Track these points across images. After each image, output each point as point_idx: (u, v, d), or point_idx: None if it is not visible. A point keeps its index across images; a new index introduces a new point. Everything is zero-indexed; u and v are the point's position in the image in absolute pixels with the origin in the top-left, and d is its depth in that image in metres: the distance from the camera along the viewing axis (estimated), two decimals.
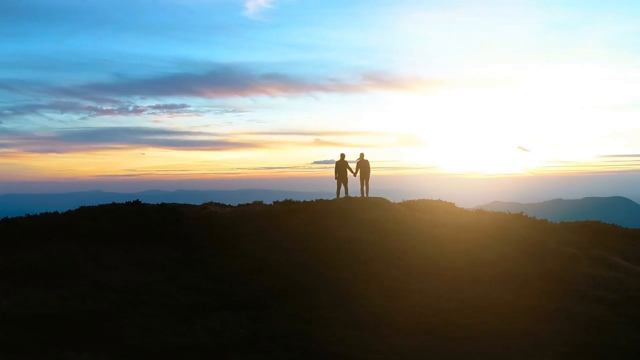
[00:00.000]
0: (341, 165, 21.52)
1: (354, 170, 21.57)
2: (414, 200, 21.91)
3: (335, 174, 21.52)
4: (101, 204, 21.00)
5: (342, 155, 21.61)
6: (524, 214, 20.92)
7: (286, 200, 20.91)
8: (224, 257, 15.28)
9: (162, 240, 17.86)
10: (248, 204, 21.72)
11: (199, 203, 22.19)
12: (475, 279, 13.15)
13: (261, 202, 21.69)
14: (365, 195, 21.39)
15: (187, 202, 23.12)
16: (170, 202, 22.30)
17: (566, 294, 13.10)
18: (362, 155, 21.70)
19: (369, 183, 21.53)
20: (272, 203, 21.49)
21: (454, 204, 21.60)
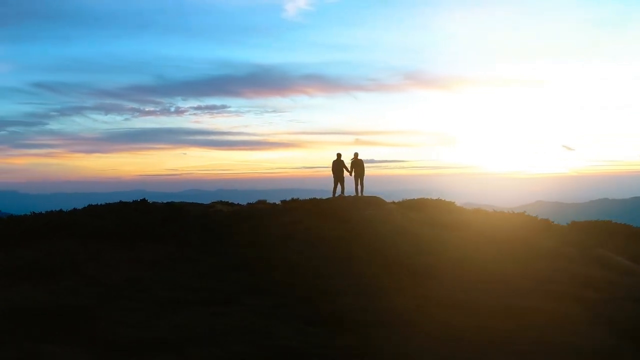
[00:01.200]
0: (337, 165, 21.79)
1: (350, 170, 21.83)
2: (414, 199, 21.98)
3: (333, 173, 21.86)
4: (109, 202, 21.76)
5: (339, 155, 21.88)
6: (526, 214, 20.72)
7: (292, 199, 21.26)
8: (214, 255, 15.68)
9: (164, 238, 18.38)
10: (252, 204, 22.16)
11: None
12: (454, 277, 13.18)
13: (265, 200, 22.10)
14: (359, 194, 21.61)
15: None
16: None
17: (546, 293, 12.96)
18: (356, 154, 21.92)
19: (363, 182, 21.73)
20: (279, 202, 21.89)
21: (454, 202, 21.55)
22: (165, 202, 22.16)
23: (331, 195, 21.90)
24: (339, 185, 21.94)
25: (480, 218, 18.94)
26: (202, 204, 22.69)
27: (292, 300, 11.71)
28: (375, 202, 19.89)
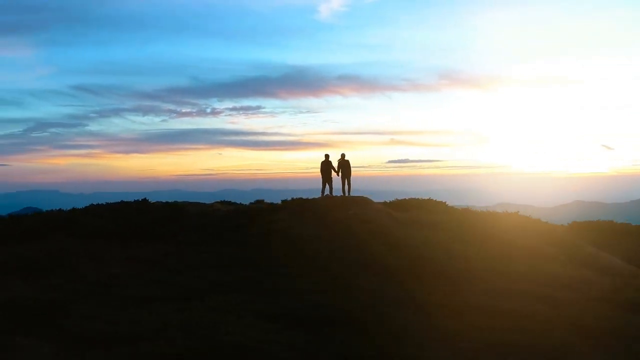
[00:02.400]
0: (325, 166, 22.12)
1: (337, 170, 22.12)
2: (405, 199, 22.12)
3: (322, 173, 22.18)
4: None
5: (327, 156, 22.17)
6: (519, 213, 20.68)
7: (292, 198, 21.62)
8: (200, 253, 16.15)
9: (159, 237, 18.93)
10: (250, 203, 22.66)
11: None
12: (415, 275, 13.35)
13: (262, 200, 22.55)
14: (346, 194, 21.88)
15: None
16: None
17: (511, 292, 13.02)
18: (343, 155, 22.18)
19: (350, 182, 22.00)
20: (280, 202, 22.29)
21: (445, 202, 21.58)
22: (165, 201, 22.75)
23: (320, 195, 22.24)
24: (327, 186, 22.25)
25: (468, 218, 18.98)
26: (203, 203, 23.22)
27: (257, 296, 12.06)
28: (361, 202, 20.10)
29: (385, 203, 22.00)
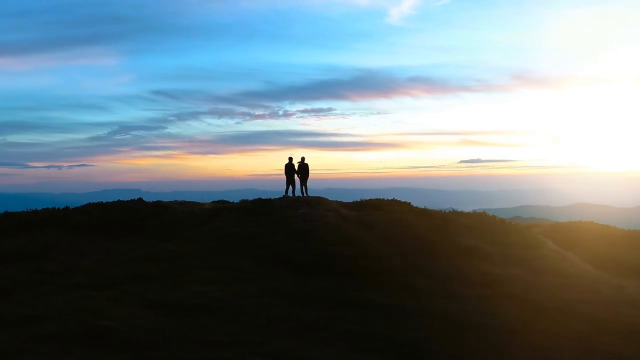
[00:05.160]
0: (288, 168, 23.01)
1: (297, 172, 22.98)
2: (370, 199, 22.60)
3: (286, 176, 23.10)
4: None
5: (290, 159, 23.02)
6: (486, 213, 20.82)
7: (257, 199, 22.64)
8: (153, 246, 17.44)
9: (138, 232, 20.41)
10: (226, 202, 23.87)
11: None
12: (341, 272, 14.10)
13: (226, 201, 23.73)
14: (304, 194, 22.70)
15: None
16: None
17: (424, 291, 13.52)
18: (302, 159, 22.96)
19: (306, 184, 22.82)
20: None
21: (409, 203, 21.93)
22: (156, 201, 24.21)
23: (283, 195, 23.11)
24: (290, 186, 23.13)
25: (420, 219, 19.31)
26: (191, 202, 24.54)
27: (158, 287, 13.20)
28: (315, 201, 20.82)
29: (354, 203, 22.62)
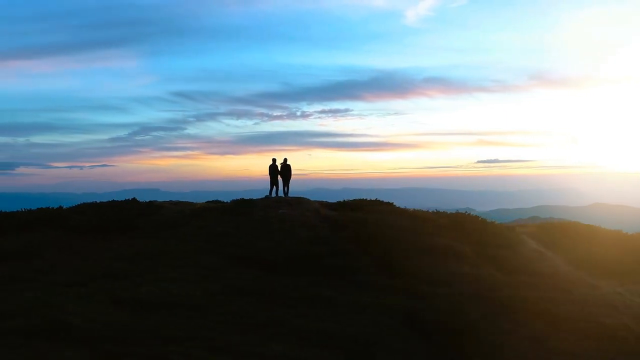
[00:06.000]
0: (272, 169, 23.34)
1: (280, 173, 23.33)
2: (354, 200, 22.82)
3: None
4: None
5: (274, 160, 23.35)
6: (469, 214, 20.95)
7: (240, 199, 23.01)
8: (128, 245, 17.89)
9: (128, 231, 20.88)
10: (219, 202, 24.26)
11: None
12: (288, 269, 14.41)
13: (219, 201, 24.18)
14: (285, 195, 23.05)
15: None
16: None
17: (387, 289, 13.76)
18: (285, 160, 23.29)
19: (289, 184, 23.17)
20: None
21: (392, 203, 22.09)
22: (149, 201, 24.71)
23: (265, 195, 23.46)
24: (274, 187, 23.47)
25: (398, 219, 19.51)
26: (185, 202, 25.00)
27: (127, 283, 13.60)
28: (297, 202, 21.12)
29: (337, 203, 22.85)
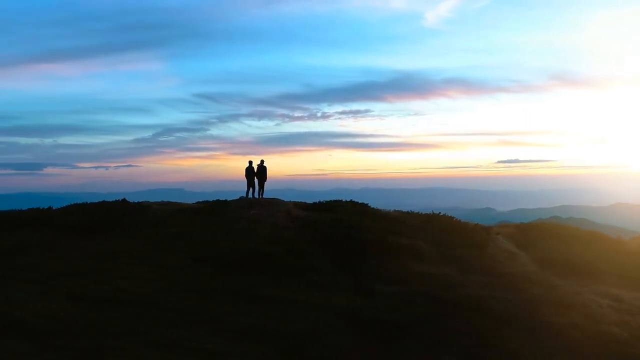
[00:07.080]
0: (248, 171, 23.80)
1: (256, 175, 23.77)
2: (330, 201, 23.14)
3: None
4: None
5: (250, 162, 23.80)
6: (445, 214, 21.21)
7: (215, 200, 23.50)
8: (106, 244, 18.48)
9: (110, 231, 21.48)
10: (199, 202, 24.85)
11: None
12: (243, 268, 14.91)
13: (207, 201, 24.67)
14: (260, 196, 23.52)
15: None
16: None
17: (338, 288, 14.14)
18: (262, 162, 23.72)
19: (264, 186, 23.64)
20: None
21: (366, 204, 22.40)
22: (139, 201, 25.30)
23: (244, 196, 23.96)
24: (251, 188, 23.94)
25: (366, 220, 19.82)
26: (174, 202, 25.53)
27: (87, 281, 14.17)
28: (270, 203, 21.57)
29: (312, 204, 23.20)
